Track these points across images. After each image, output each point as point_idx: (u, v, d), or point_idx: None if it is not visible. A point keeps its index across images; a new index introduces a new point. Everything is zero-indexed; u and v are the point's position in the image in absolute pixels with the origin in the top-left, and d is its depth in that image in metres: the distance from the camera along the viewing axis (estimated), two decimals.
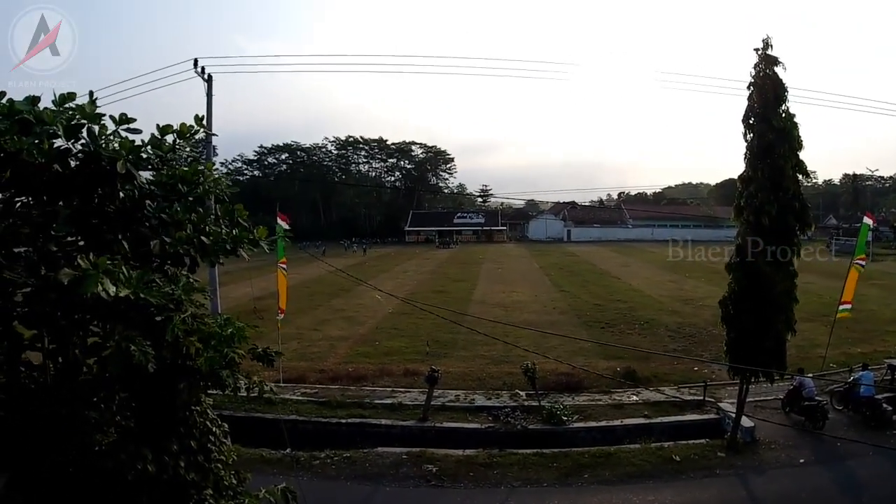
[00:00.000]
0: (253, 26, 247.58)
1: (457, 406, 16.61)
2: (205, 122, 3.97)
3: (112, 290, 2.81)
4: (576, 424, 15.45)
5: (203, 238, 3.81)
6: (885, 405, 15.11)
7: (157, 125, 3.76)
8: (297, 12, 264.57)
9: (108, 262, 2.90)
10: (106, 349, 3.06)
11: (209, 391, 4.16)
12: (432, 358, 20.43)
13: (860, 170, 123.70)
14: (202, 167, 3.94)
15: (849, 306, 19.41)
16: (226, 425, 4.49)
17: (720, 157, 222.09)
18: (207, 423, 4.22)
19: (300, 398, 17.10)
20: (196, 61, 20.24)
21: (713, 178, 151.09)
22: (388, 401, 16.87)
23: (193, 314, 3.77)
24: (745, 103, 13.58)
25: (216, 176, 4.02)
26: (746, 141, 13.59)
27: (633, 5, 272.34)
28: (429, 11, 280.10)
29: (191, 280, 3.82)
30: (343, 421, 15.72)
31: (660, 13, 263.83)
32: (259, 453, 13.53)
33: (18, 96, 3.30)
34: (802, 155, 13.37)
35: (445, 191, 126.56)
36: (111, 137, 3.49)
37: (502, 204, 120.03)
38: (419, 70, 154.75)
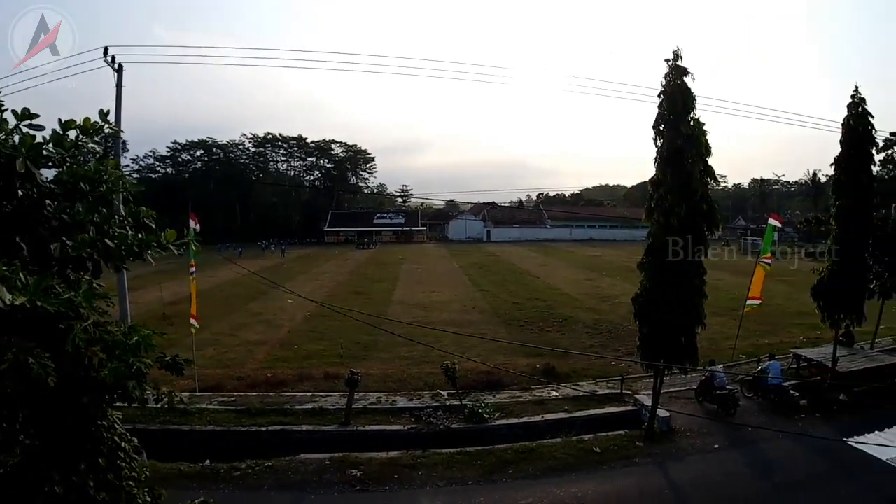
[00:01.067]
0: (171, 15, 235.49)
1: (379, 408, 16.51)
2: (113, 115, 3.74)
3: (8, 298, 2.57)
4: (498, 422, 15.71)
5: (107, 241, 3.57)
6: (792, 391, 16.46)
7: (60, 120, 3.50)
8: (219, 4, 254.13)
9: (5, 267, 2.67)
10: (2, 363, 2.79)
11: (116, 404, 3.92)
12: (352, 360, 20.21)
13: (768, 174, 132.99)
14: (104, 165, 3.69)
15: (757, 301, 20.47)
16: (136, 440, 4.25)
17: (637, 160, 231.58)
18: (116, 438, 3.98)
19: (217, 407, 16.39)
20: (106, 49, 18.36)
21: (630, 181, 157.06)
22: (309, 406, 16.48)
23: (96, 322, 3.55)
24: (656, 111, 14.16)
25: (119, 174, 3.78)
26: (657, 146, 14.16)
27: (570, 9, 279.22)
28: (357, 8, 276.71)
29: (94, 285, 3.58)
30: (263, 429, 15.21)
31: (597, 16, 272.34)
32: (176, 467, 12.86)
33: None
34: (711, 160, 14.03)
35: (366, 191, 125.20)
36: (12, 133, 3.22)
37: (422, 204, 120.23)
38: (340, 68, 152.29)
